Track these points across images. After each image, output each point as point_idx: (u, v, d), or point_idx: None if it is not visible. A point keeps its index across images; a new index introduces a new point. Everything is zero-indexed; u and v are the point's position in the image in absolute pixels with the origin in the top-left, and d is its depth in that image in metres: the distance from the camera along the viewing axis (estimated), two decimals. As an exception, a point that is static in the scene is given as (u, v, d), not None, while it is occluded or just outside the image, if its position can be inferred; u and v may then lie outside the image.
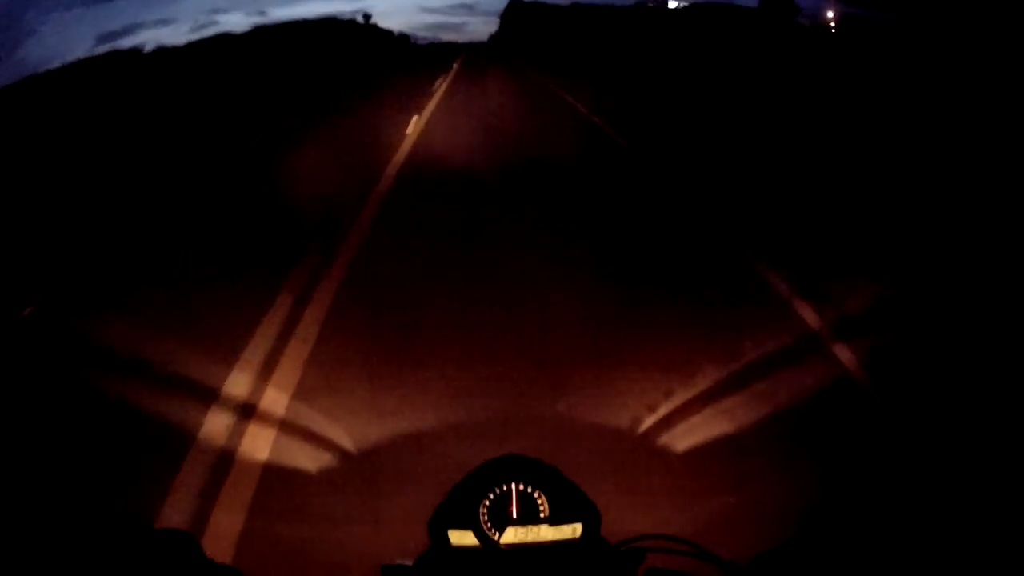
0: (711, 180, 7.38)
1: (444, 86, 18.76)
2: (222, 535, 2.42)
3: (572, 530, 1.10)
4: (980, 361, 3.28)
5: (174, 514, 2.52)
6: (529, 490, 1.12)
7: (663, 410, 3.00)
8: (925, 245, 4.99)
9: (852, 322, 3.74)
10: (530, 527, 1.10)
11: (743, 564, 1.02)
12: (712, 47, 21.41)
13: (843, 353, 3.44)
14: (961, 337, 3.52)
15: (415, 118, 12.24)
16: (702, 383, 3.18)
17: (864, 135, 9.45)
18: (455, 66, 26.79)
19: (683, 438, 2.82)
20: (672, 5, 34.87)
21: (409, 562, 1.11)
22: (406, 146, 9.65)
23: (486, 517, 1.11)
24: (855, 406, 3.09)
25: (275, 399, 3.24)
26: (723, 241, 5.29)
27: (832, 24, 20.43)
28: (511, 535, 1.10)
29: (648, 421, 2.93)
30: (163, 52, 27.82)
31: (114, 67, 23.22)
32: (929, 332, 3.61)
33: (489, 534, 1.10)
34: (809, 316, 3.86)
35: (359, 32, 44.63)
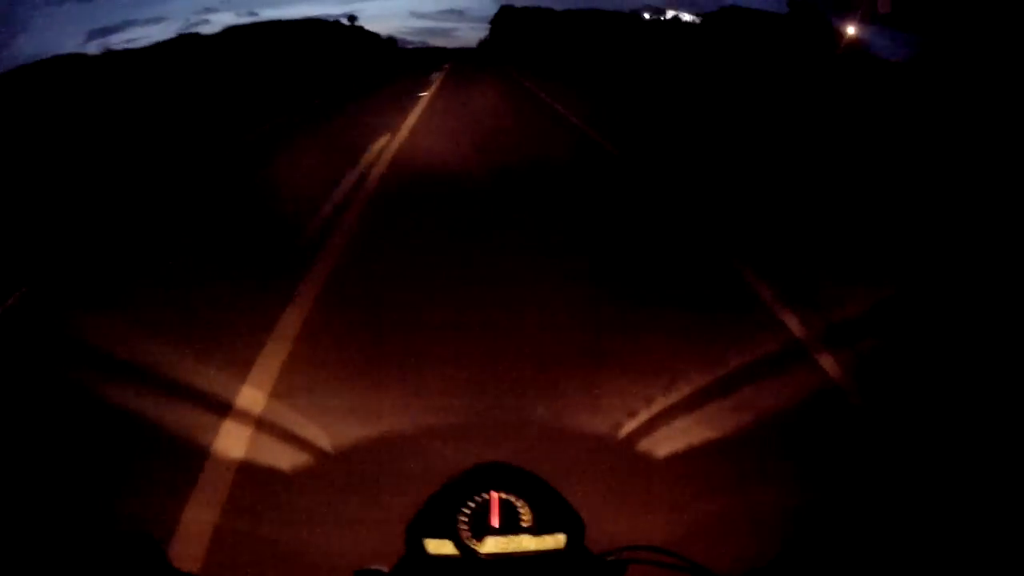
0: (697, 186, 7.41)
1: (427, 97, 18.27)
2: (194, 533, 2.35)
3: (555, 540, 1.05)
4: (962, 369, 3.30)
5: (143, 509, 2.46)
6: (511, 499, 1.08)
7: (644, 415, 2.97)
8: (912, 255, 5.03)
9: (835, 329, 3.74)
10: (511, 537, 1.05)
11: None
12: (711, 56, 20.79)
13: (825, 360, 3.45)
14: (944, 344, 3.55)
15: (389, 138, 11.02)
16: (685, 389, 3.16)
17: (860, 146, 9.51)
18: (439, 75, 25.36)
19: (664, 443, 2.79)
20: (686, 18, 33.35)
21: (385, 568, 1.06)
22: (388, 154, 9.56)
23: (465, 526, 1.06)
24: (836, 413, 3.08)
25: (253, 397, 3.17)
26: (709, 246, 5.30)
27: (851, 31, 18.56)
28: (491, 545, 1.05)
29: (630, 425, 2.91)
30: (112, 56, 25.06)
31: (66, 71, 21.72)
32: (911, 340, 3.63)
33: (468, 544, 1.05)
34: (792, 323, 3.87)
35: (344, 35, 44.01)
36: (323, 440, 2.81)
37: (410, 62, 34.97)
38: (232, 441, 2.84)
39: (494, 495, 1.08)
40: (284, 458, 2.73)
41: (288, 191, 7.33)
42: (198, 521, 2.40)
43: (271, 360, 3.50)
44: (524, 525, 1.06)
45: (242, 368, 3.40)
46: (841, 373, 3.32)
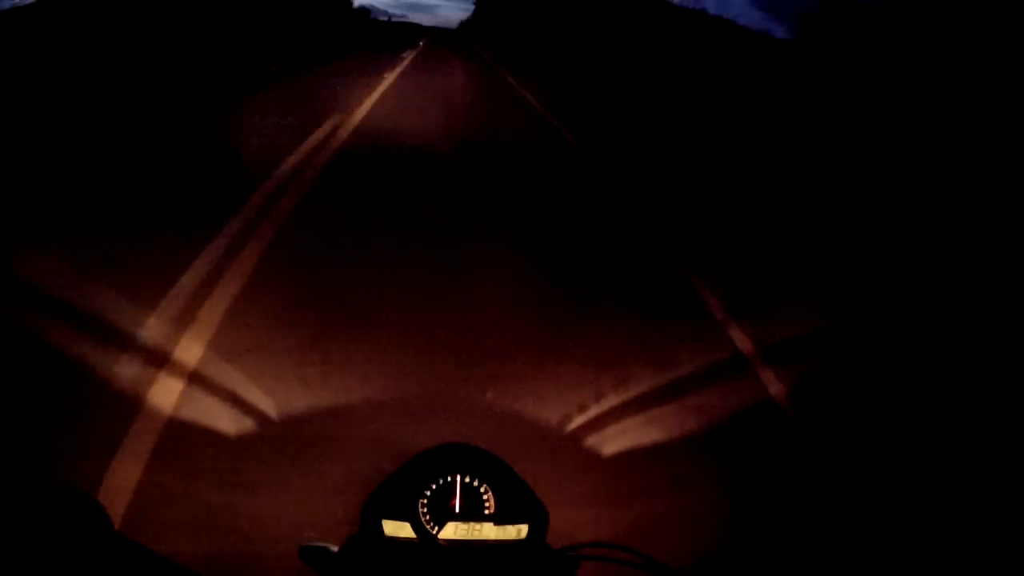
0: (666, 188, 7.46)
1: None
2: (118, 489, 2.26)
3: (517, 531, 1.03)
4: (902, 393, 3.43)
5: (70, 463, 2.36)
6: (475, 484, 1.05)
7: (594, 410, 3.00)
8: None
9: (782, 347, 3.84)
10: (473, 524, 1.03)
11: None
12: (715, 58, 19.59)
13: (767, 376, 3.54)
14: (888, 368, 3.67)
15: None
16: (633, 390, 3.20)
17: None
18: (410, 54, 23.62)
19: (612, 441, 2.81)
20: None
21: (333, 545, 1.02)
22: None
23: (426, 509, 1.03)
24: (774, 426, 3.17)
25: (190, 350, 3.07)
26: (660, 249, 5.36)
27: None
28: (451, 531, 1.02)
29: (578, 419, 2.94)
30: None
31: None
32: (858, 362, 3.75)
33: (427, 527, 1.02)
34: (740, 337, 3.94)
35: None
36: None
37: (377, 38, 30.86)
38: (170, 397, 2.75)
39: (458, 478, 1.05)
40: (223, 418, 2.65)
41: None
42: (126, 480, 2.30)
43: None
44: (487, 513, 1.04)
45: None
46: (781, 389, 3.42)
